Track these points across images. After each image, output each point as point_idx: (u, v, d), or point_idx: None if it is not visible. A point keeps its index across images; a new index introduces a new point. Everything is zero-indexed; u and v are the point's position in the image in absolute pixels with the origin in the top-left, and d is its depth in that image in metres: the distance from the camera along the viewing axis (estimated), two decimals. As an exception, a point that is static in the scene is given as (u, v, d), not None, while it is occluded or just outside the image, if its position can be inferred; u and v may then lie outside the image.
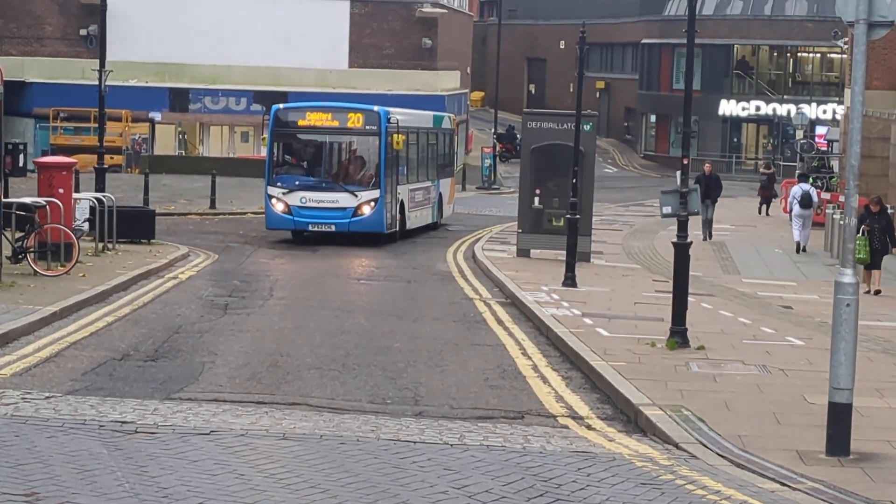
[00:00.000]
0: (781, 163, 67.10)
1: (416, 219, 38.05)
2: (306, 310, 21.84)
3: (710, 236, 38.15)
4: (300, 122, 34.77)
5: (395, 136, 34.31)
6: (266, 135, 35.36)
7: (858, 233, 25.27)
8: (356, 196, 33.77)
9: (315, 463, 11.32)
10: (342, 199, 33.83)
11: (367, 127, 34.19)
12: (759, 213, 49.90)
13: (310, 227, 34.09)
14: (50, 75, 59.42)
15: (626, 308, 22.85)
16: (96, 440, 11.71)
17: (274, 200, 34.02)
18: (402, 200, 36.15)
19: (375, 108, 35.05)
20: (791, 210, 37.03)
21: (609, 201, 52.77)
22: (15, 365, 15.65)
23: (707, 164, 40.24)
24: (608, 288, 26.14)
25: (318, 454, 11.67)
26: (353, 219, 33.84)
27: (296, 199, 33.73)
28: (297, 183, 34.08)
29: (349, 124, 34.47)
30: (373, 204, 33.88)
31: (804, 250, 35.51)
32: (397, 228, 35.86)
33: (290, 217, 33.92)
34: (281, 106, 36.01)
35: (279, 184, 34.10)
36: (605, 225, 41.76)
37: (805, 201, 35.57)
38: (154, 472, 10.65)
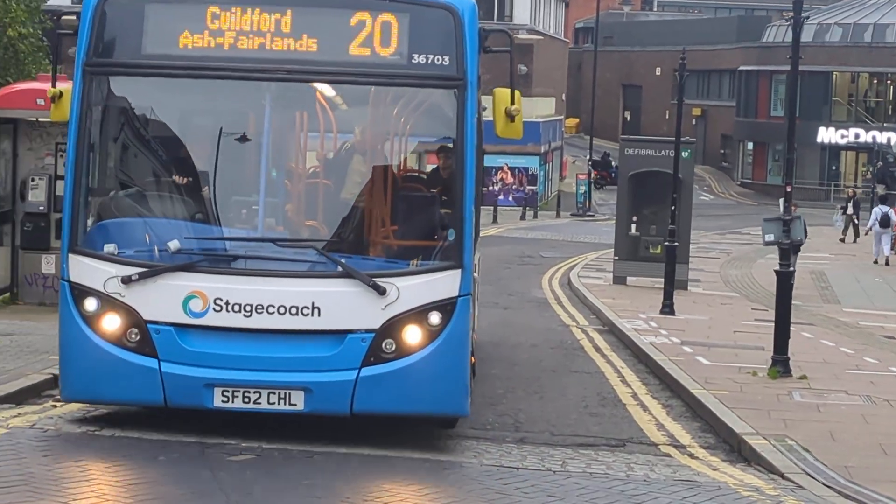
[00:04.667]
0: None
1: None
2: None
3: None
4: (189, 41, 11.97)
5: (502, 90, 12.67)
6: (57, 88, 12.52)
7: None
8: (385, 294, 11.67)
9: (417, 489, 11.29)
10: (336, 304, 11.73)
11: (419, 58, 11.94)
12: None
13: (220, 401, 11.70)
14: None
15: (725, 336, 22.64)
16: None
17: (89, 303, 11.82)
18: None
19: None
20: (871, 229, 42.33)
21: (705, 229, 52.38)
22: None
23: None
24: (707, 316, 25.92)
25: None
26: (367, 370, 11.72)
27: (173, 298, 11.71)
28: (176, 246, 11.83)
29: (357, 48, 11.95)
30: (438, 320, 11.78)
31: (886, 263, 40.36)
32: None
33: (151, 362, 11.69)
34: None
35: (109, 248, 11.96)
36: (702, 253, 41.46)
37: (884, 221, 40.81)
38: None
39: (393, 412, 11.97)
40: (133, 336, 11.71)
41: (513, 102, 12.52)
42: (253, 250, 11.93)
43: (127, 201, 12.41)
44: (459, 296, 11.79)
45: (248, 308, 11.59)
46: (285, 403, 11.73)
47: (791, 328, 18.94)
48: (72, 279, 11.90)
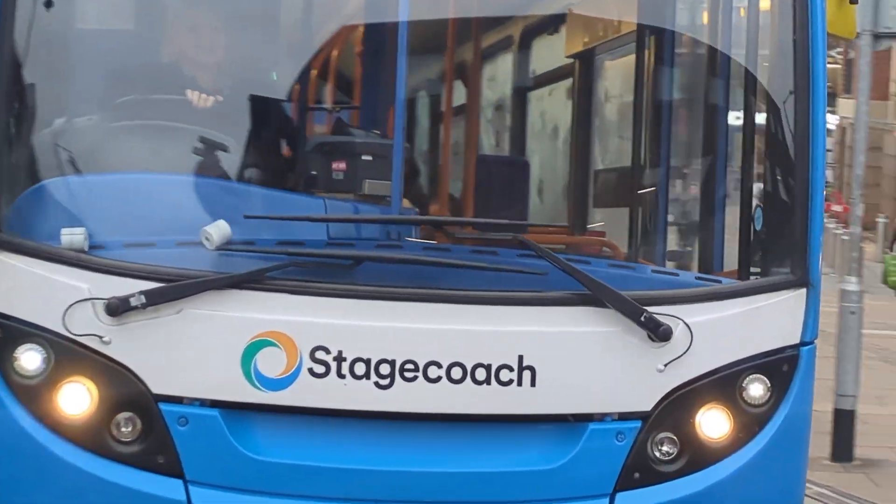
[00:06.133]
0: None
1: None
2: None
3: None
4: None
5: None
6: None
7: (891, 250, 23.69)
8: (666, 339, 5.28)
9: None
10: (567, 360, 5.23)
11: None
12: None
13: None
14: None
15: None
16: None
17: (28, 359, 5.08)
18: None
19: None
20: None
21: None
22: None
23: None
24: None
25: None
26: (626, 497, 5.34)
27: (220, 347, 5.09)
28: (224, 235, 5.15)
29: None
30: (764, 392, 5.49)
31: None
32: None
33: (170, 489, 5.10)
34: None
35: (71, 237, 5.13)
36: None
37: None
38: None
39: None
40: (128, 429, 5.20)
41: None
42: (391, 245, 5.56)
43: (110, 140, 5.76)
44: (803, 343, 5.62)
45: (383, 369, 5.17)
46: None
47: None
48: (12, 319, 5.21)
